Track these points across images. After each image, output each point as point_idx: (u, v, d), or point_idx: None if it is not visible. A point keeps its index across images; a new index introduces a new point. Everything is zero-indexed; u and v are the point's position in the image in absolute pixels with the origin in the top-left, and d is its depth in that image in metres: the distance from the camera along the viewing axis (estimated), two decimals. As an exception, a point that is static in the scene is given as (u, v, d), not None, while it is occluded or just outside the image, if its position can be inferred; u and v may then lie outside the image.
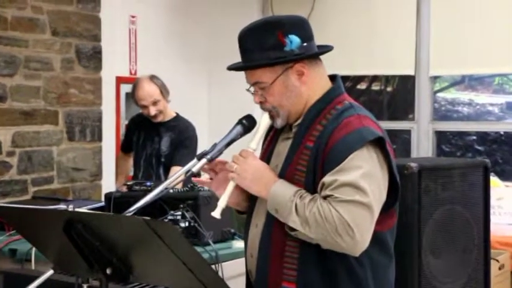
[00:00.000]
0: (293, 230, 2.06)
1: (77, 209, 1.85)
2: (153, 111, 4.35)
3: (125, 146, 4.74)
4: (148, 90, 4.35)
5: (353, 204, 1.99)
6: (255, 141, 2.20)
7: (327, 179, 2.03)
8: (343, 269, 2.09)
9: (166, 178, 4.30)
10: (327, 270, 2.09)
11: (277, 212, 2.08)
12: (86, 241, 1.73)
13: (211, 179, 2.26)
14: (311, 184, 2.08)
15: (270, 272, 2.14)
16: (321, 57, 2.23)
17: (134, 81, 4.52)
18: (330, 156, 2.05)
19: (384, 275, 2.18)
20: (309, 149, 2.11)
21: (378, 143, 2.08)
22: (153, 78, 4.40)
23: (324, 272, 2.09)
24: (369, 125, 2.10)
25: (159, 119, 4.41)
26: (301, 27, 2.17)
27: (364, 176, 2.02)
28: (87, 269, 1.78)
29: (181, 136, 4.41)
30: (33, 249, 3.00)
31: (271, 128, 2.27)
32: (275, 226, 2.12)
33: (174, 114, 4.50)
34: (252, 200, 2.25)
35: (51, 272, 1.88)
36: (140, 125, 4.54)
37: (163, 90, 4.38)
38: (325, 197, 2.02)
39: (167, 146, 4.41)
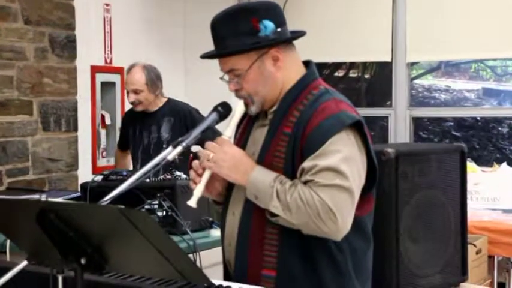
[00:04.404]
0: (274, 215, 2.06)
1: (50, 199, 1.82)
2: (131, 98, 4.36)
3: (122, 143, 4.68)
4: (134, 78, 4.35)
5: (334, 189, 1.99)
6: (230, 128, 2.19)
7: (306, 164, 2.03)
8: (323, 254, 2.09)
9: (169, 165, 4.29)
10: (307, 256, 2.09)
11: (257, 199, 2.07)
12: (60, 231, 1.70)
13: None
14: (290, 170, 2.07)
15: (250, 260, 2.13)
16: (298, 44, 2.21)
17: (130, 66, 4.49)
18: (309, 141, 2.05)
19: (363, 259, 2.19)
20: (287, 135, 2.10)
21: (356, 127, 2.08)
22: (146, 68, 4.38)
23: (304, 257, 2.09)
24: (346, 109, 2.10)
25: (139, 108, 4.39)
26: (274, 12, 2.15)
27: (343, 160, 2.02)
28: (62, 259, 1.75)
29: (184, 114, 4.36)
30: (8, 240, 2.97)
31: (245, 115, 2.25)
32: (254, 213, 2.11)
33: (165, 99, 4.45)
34: (227, 188, 2.23)
35: (25, 262, 1.86)
36: (135, 119, 4.50)
37: (150, 83, 4.34)
38: (305, 182, 2.02)
39: (168, 132, 4.37)
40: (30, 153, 4.93)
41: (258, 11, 2.12)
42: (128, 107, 4.76)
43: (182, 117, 4.36)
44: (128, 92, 4.40)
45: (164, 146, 4.34)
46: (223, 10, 2.17)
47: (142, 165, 4.33)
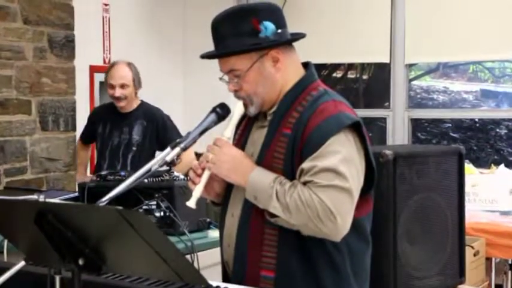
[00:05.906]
0: (273, 216, 2.06)
1: (48, 200, 1.82)
2: (118, 92, 4.32)
3: (86, 137, 4.68)
4: (121, 72, 4.34)
5: (333, 189, 1.99)
6: (229, 129, 2.19)
7: (305, 165, 2.03)
8: (321, 255, 2.09)
9: (136, 168, 4.27)
10: (305, 257, 2.09)
11: (256, 199, 2.07)
12: (57, 232, 1.70)
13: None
14: (289, 171, 2.08)
15: (248, 261, 2.13)
16: (297, 45, 2.22)
17: (112, 62, 4.48)
18: (308, 142, 2.05)
19: (361, 261, 2.19)
20: (286, 136, 2.10)
21: (355, 128, 2.08)
22: (131, 64, 4.39)
23: (302, 259, 2.09)
24: (344, 110, 2.10)
25: (122, 104, 4.36)
26: (275, 14, 2.16)
27: (342, 160, 2.02)
28: (59, 260, 1.75)
29: (156, 120, 4.38)
30: (6, 240, 2.96)
31: (244, 116, 2.25)
32: (253, 214, 2.11)
33: (139, 102, 4.46)
34: (226, 189, 2.24)
35: (22, 263, 1.85)
36: (105, 116, 4.49)
37: (136, 80, 4.36)
38: (304, 183, 2.02)
39: (139, 134, 4.37)
40: (29, 152, 4.93)
41: (259, 12, 2.13)
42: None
43: (155, 123, 4.38)
44: (112, 87, 4.34)
45: (134, 148, 4.36)
46: (224, 10, 2.17)
47: (109, 164, 4.35)
